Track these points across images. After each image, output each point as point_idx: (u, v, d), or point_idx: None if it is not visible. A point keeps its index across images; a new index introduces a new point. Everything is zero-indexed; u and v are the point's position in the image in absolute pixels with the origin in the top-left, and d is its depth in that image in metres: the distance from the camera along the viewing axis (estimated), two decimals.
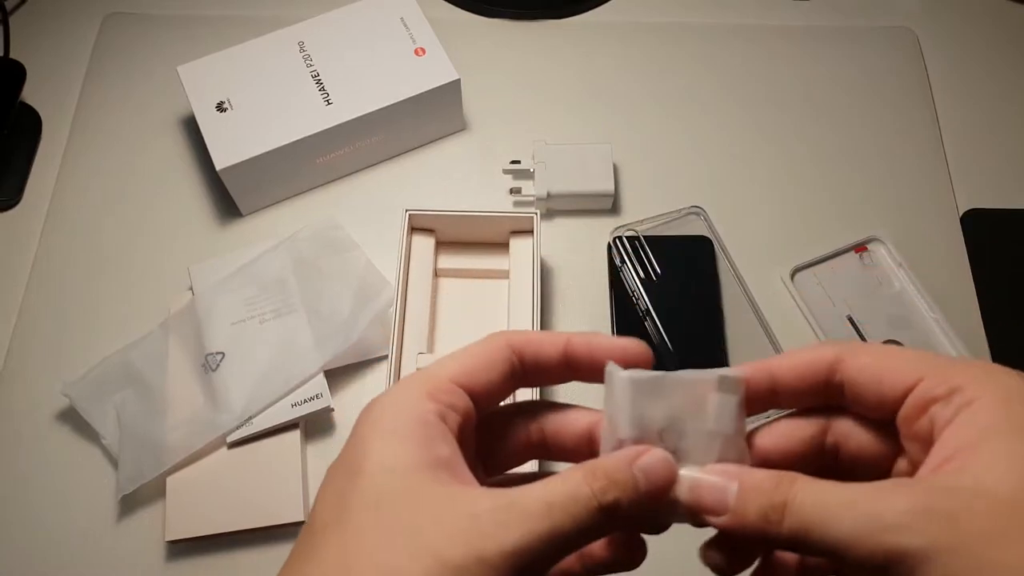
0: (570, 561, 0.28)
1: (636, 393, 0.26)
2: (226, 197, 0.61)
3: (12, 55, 0.67)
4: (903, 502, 0.22)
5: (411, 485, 0.24)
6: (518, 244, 0.57)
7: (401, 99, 0.59)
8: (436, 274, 0.57)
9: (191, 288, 0.57)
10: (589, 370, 0.28)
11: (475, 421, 0.27)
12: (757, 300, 0.57)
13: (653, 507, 0.25)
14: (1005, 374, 0.24)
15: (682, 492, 0.25)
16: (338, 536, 0.24)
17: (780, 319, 0.57)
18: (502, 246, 0.57)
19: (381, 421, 0.26)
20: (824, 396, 0.26)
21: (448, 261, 0.58)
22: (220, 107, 0.59)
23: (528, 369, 0.28)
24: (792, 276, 0.58)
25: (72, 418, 0.53)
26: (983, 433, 0.23)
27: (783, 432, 0.27)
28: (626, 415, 0.26)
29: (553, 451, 0.29)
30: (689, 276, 0.58)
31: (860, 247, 0.60)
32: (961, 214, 0.62)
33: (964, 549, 0.21)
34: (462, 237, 0.58)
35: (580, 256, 0.60)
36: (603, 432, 0.27)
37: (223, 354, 0.53)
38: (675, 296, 0.57)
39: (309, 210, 0.62)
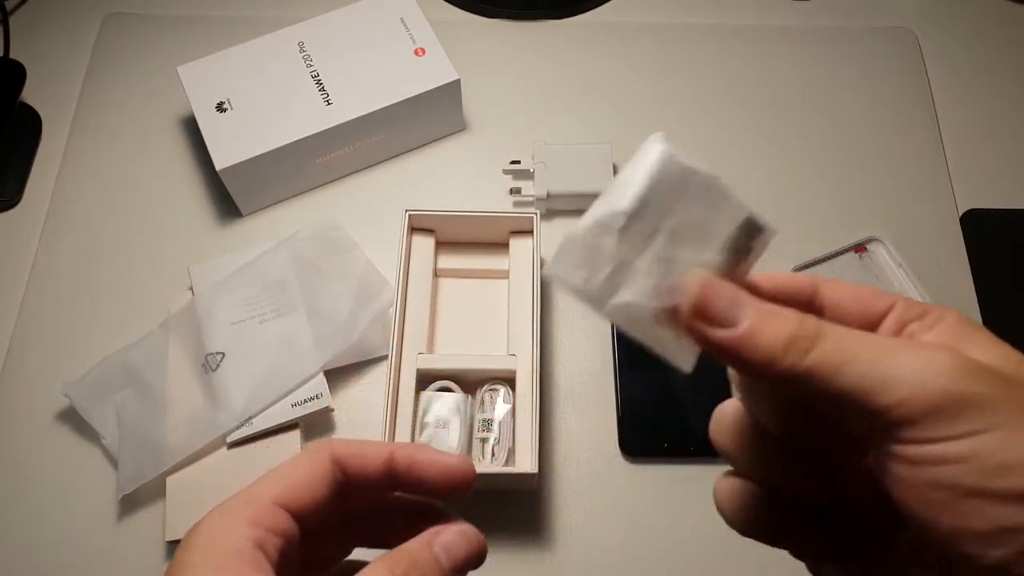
0: None
1: (666, 172, 0.22)
2: (226, 197, 0.61)
3: (12, 55, 0.67)
4: (949, 355, 0.21)
5: None
6: (518, 244, 0.57)
7: (401, 99, 0.59)
8: (436, 274, 0.57)
9: (191, 288, 0.57)
10: (412, 484, 0.27)
11: (298, 540, 0.26)
12: None
13: None
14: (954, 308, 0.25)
15: (690, 288, 0.22)
16: None
17: None
18: (502, 246, 0.57)
19: (195, 554, 0.25)
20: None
21: (448, 261, 0.58)
22: (220, 107, 0.59)
23: (353, 483, 0.27)
24: None
25: (72, 418, 0.53)
26: (965, 334, 0.23)
27: (781, 279, 0.25)
28: (641, 186, 0.22)
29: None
30: None
31: (860, 247, 0.60)
32: (961, 214, 0.62)
33: (1012, 401, 0.20)
34: (462, 237, 0.58)
35: None
36: (601, 196, 0.23)
37: (223, 354, 0.53)
38: None
39: (309, 210, 0.62)
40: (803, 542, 0.26)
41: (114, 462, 0.52)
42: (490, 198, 0.62)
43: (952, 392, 0.20)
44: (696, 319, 0.23)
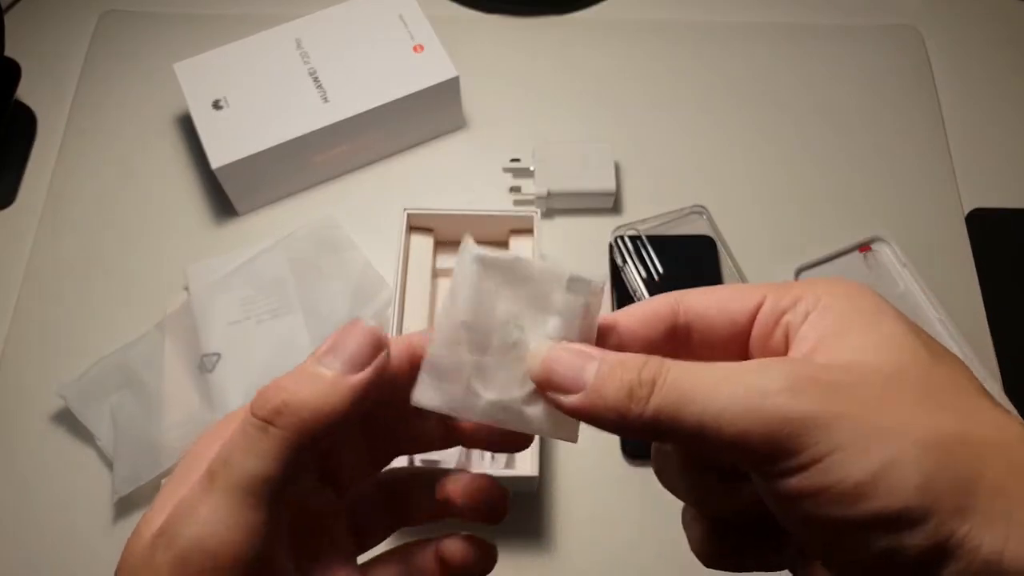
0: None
1: (483, 274, 0.24)
2: (222, 196, 0.60)
3: (7, 53, 0.67)
4: (782, 374, 0.20)
5: None
6: (518, 244, 0.56)
7: (399, 96, 0.58)
8: (435, 274, 0.57)
9: (187, 288, 0.56)
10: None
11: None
12: None
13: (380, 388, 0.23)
14: (838, 280, 0.23)
15: (532, 366, 0.23)
16: None
17: None
18: (502, 246, 0.57)
19: (183, 471, 0.24)
20: (672, 341, 0.25)
21: (447, 261, 0.57)
22: (216, 105, 0.58)
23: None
24: (796, 276, 0.58)
25: (67, 420, 0.53)
26: (841, 321, 0.22)
27: (638, 312, 0.25)
28: (468, 296, 0.24)
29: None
30: (692, 276, 0.57)
31: (864, 247, 0.59)
32: (966, 213, 0.61)
33: (849, 416, 0.20)
34: (461, 236, 0.57)
35: (581, 256, 0.59)
36: (439, 315, 0.24)
37: (219, 355, 0.53)
38: None
39: (306, 209, 0.61)
40: (761, 563, 0.26)
41: (109, 464, 0.51)
42: (490, 197, 0.62)
43: (787, 417, 0.20)
44: (549, 392, 0.23)
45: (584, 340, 0.24)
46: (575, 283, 0.24)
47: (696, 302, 0.24)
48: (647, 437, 0.22)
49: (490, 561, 0.27)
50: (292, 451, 0.22)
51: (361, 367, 0.23)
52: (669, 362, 0.21)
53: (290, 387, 0.22)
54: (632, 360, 0.22)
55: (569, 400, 0.22)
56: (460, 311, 0.24)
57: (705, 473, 0.25)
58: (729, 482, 0.25)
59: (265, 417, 0.22)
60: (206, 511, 0.22)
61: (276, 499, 0.22)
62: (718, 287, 0.25)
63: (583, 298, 0.24)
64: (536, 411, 0.24)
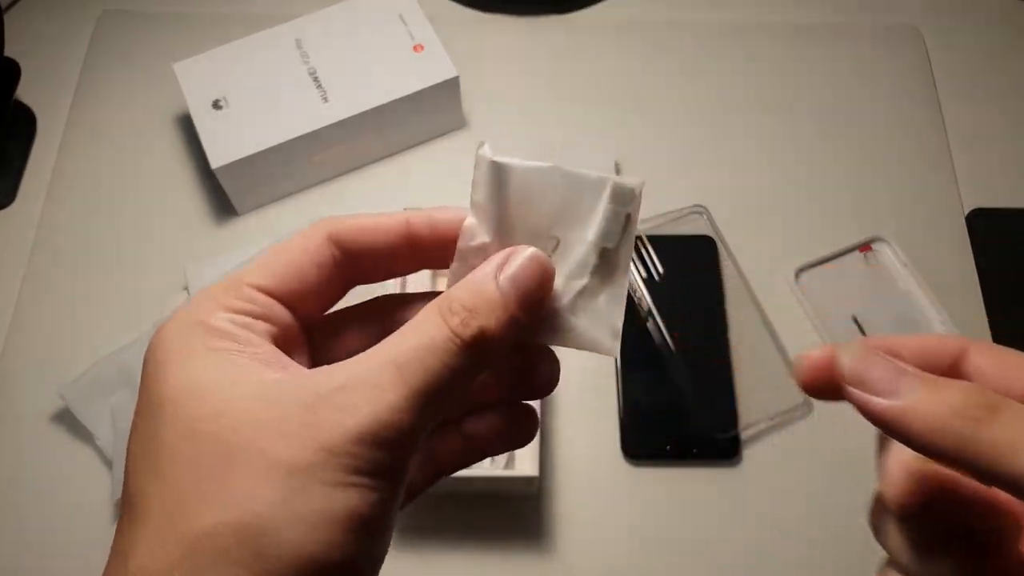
0: (454, 443, 0.26)
1: (503, 182, 0.21)
2: (222, 196, 0.60)
3: (7, 53, 0.67)
4: None
5: (222, 398, 0.20)
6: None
7: (399, 96, 0.58)
8: (435, 273, 0.56)
9: (187, 288, 0.56)
10: (438, 250, 0.24)
11: (297, 330, 0.24)
12: (761, 300, 0.56)
13: (534, 322, 0.22)
14: None
15: (843, 362, 0.22)
16: (157, 490, 0.20)
17: (784, 319, 0.56)
18: None
19: (166, 348, 0.22)
20: None
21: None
22: (216, 105, 0.58)
23: (361, 263, 0.24)
24: (796, 276, 0.58)
25: (67, 419, 0.53)
26: None
27: (923, 343, 0.23)
28: (489, 210, 0.22)
29: None
30: (692, 276, 0.57)
31: (865, 247, 0.59)
32: (966, 213, 0.61)
33: None
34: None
35: None
36: (461, 239, 0.23)
37: None
38: (678, 296, 0.56)
39: (306, 209, 0.61)
40: None
41: (109, 463, 0.51)
42: None
43: None
44: (854, 388, 0.22)
45: (626, 251, 0.23)
46: (619, 191, 0.23)
47: (982, 360, 0.23)
48: (942, 462, 0.21)
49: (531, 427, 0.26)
50: (470, 379, 0.22)
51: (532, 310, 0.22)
52: (1005, 397, 0.20)
53: (482, 315, 0.21)
54: (960, 383, 0.21)
55: (882, 404, 0.21)
56: (480, 230, 0.23)
57: (939, 541, 0.24)
58: (969, 557, 0.23)
59: (467, 341, 0.21)
60: (392, 399, 0.20)
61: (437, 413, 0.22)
62: (1006, 348, 0.23)
63: (627, 208, 0.23)
64: (580, 321, 0.23)
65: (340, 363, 0.21)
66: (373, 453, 0.20)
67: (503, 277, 0.22)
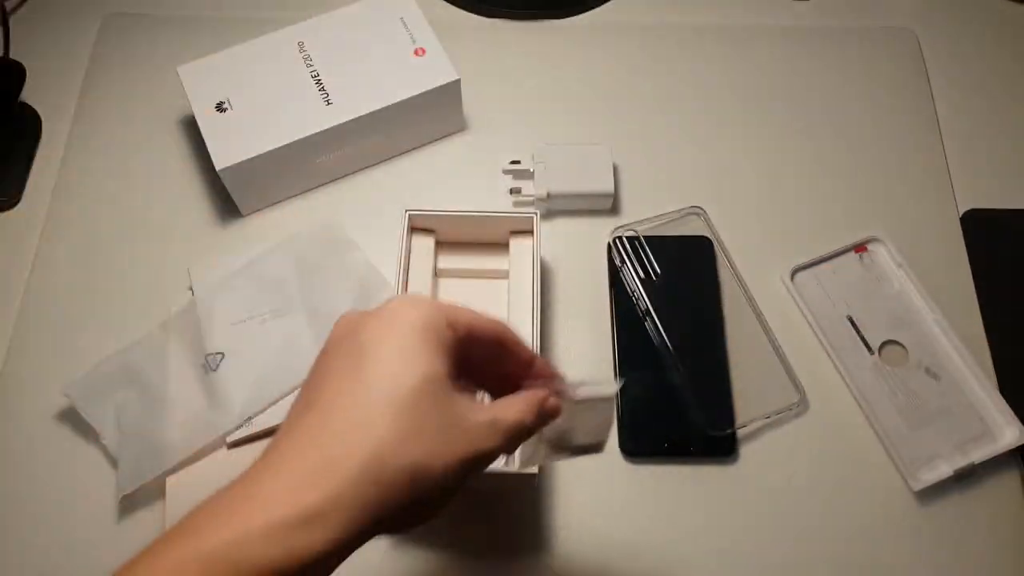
0: None
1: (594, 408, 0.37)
2: (226, 197, 0.61)
3: (12, 55, 0.67)
4: None
5: (423, 388, 0.29)
6: (518, 244, 0.57)
7: (401, 99, 0.59)
8: (436, 274, 0.57)
9: (191, 288, 0.57)
10: (515, 385, 0.35)
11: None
12: (757, 300, 0.57)
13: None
14: None
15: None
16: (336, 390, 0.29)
17: (780, 319, 0.57)
18: (502, 246, 0.57)
19: (404, 319, 0.30)
20: None
21: (448, 261, 0.58)
22: (220, 107, 0.59)
23: (506, 353, 0.34)
24: (792, 276, 0.58)
25: (72, 418, 0.53)
26: None
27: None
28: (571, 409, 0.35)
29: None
30: (689, 276, 0.58)
31: (860, 247, 0.60)
32: (961, 214, 0.62)
33: None
34: (462, 237, 0.58)
35: (580, 256, 0.60)
36: (549, 428, 0.35)
37: (223, 354, 0.53)
38: (675, 296, 0.57)
39: (309, 210, 0.62)
40: None
41: (114, 462, 0.52)
42: (490, 198, 0.62)
43: None
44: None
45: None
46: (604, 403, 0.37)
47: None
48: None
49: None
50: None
51: None
52: None
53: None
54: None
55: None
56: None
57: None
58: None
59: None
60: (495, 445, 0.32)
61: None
62: None
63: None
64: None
65: (482, 407, 0.32)
66: (467, 469, 0.31)
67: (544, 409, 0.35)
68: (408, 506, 0.28)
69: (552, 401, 0.34)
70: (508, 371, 0.35)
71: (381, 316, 0.30)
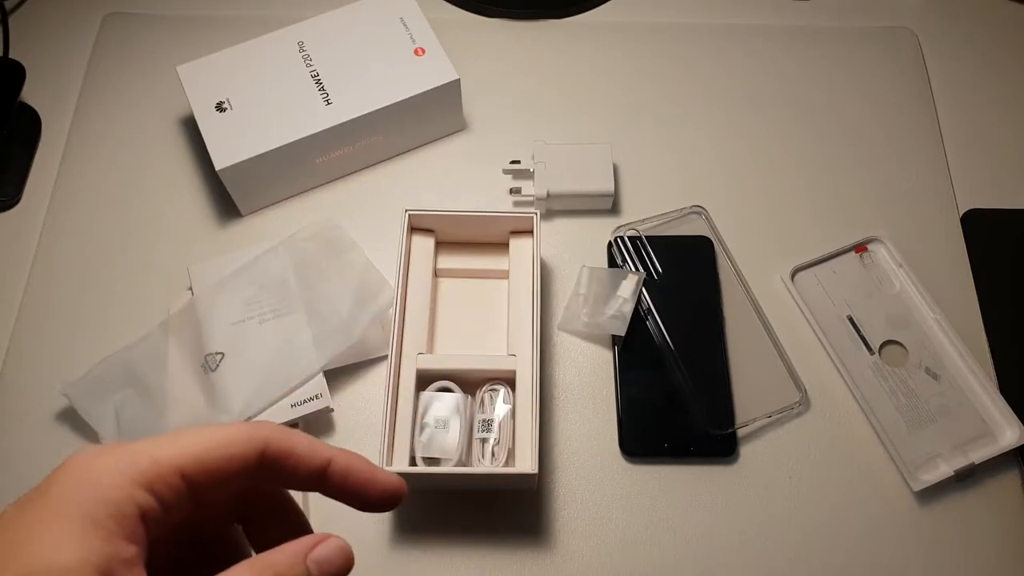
0: None
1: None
2: (226, 197, 0.61)
3: (12, 55, 0.67)
4: None
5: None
6: (518, 244, 0.57)
7: (401, 99, 0.59)
8: (436, 274, 0.57)
9: (191, 288, 0.57)
10: (342, 493, 0.27)
11: (183, 515, 0.24)
12: (758, 300, 0.57)
13: None
14: None
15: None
16: None
17: (780, 319, 0.57)
18: (502, 246, 0.57)
19: (71, 498, 0.22)
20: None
21: (448, 261, 0.58)
22: (220, 107, 0.59)
23: (277, 476, 0.26)
24: (792, 276, 0.58)
25: (71, 418, 0.53)
26: None
27: None
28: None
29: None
30: (690, 276, 0.58)
31: (860, 247, 0.60)
32: (961, 214, 0.62)
33: None
34: (462, 237, 0.58)
35: (580, 256, 0.60)
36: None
37: (223, 354, 0.53)
38: (676, 296, 0.57)
39: (309, 210, 0.62)
40: None
41: None
42: (490, 198, 0.62)
43: None
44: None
45: None
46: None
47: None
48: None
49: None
50: None
51: None
52: None
53: None
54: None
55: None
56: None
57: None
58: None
59: None
60: None
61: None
62: None
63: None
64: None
65: None
66: None
67: (311, 559, 0.24)
68: None
69: (330, 545, 0.25)
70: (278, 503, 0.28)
71: (48, 494, 0.23)
